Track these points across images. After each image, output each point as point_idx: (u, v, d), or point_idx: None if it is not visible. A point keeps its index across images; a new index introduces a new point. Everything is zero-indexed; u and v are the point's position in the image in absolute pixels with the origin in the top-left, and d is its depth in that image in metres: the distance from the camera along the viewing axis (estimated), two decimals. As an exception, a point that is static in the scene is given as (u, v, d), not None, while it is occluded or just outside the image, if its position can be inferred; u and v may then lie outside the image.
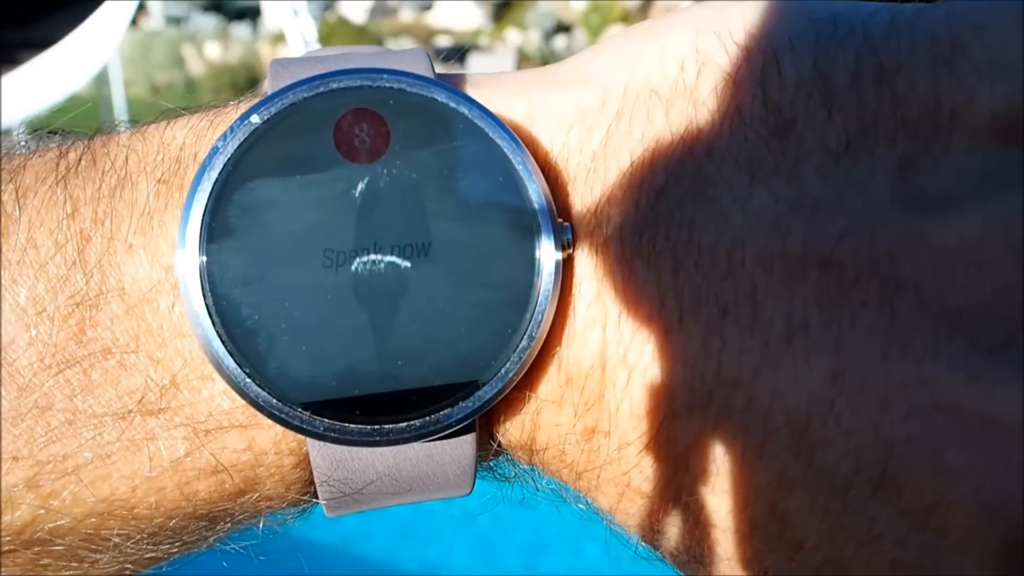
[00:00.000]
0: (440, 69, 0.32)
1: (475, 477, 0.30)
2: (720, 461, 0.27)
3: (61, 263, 0.27)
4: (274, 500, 0.30)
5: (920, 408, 0.25)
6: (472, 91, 0.30)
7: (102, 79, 6.08)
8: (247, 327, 0.26)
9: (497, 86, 0.31)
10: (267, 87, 0.29)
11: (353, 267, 0.27)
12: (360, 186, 0.27)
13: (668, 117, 0.28)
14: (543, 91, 0.30)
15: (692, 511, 0.28)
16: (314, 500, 0.30)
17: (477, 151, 0.28)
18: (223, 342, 0.26)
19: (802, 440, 0.26)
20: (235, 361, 0.26)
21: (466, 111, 0.28)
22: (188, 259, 0.26)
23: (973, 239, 0.25)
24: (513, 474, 0.32)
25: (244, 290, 0.26)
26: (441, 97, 0.28)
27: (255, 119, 0.27)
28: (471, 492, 0.31)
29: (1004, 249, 0.25)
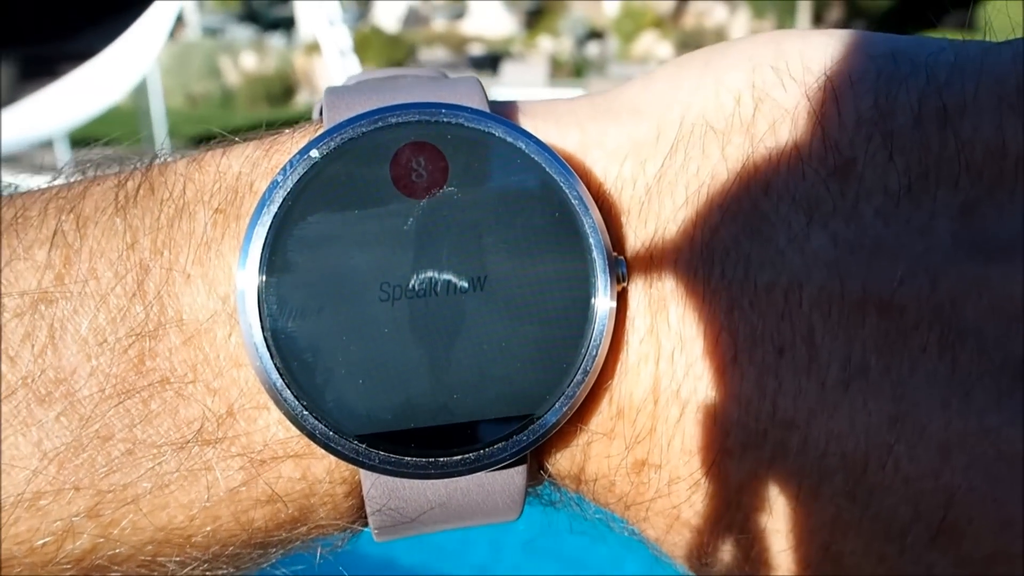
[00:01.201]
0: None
1: (524, 504, 0.30)
2: (773, 501, 0.27)
3: (121, 294, 0.28)
4: (326, 527, 0.30)
5: (982, 458, 0.24)
6: (525, 121, 0.30)
7: (141, 90, 6.20)
8: (305, 360, 0.27)
9: (551, 116, 0.31)
10: (323, 116, 0.29)
11: (410, 301, 0.27)
12: (417, 220, 0.27)
13: (724, 152, 0.28)
14: (596, 122, 0.30)
15: (743, 547, 0.28)
16: (364, 527, 0.30)
17: (534, 186, 0.28)
18: (280, 374, 0.26)
19: (859, 484, 0.25)
20: (293, 393, 0.26)
21: (523, 146, 0.28)
22: (248, 292, 0.26)
23: None
24: (558, 499, 0.32)
25: (302, 323, 0.27)
26: (498, 132, 0.28)
27: (315, 153, 0.27)
28: (519, 518, 0.31)
29: None
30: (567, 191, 0.28)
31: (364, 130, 0.27)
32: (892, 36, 0.30)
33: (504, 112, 0.30)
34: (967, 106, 0.26)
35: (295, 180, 0.27)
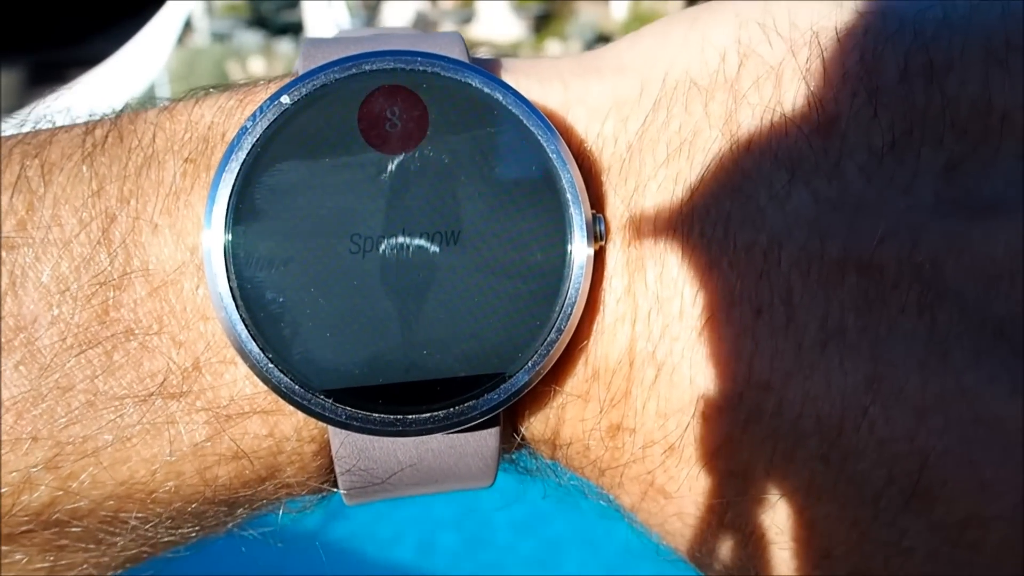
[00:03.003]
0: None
1: (497, 469, 0.30)
2: (748, 464, 0.26)
3: (85, 242, 0.27)
4: (294, 487, 0.30)
5: (958, 420, 0.24)
6: (507, 77, 0.30)
7: (149, 96, 6.22)
8: (271, 311, 0.26)
9: (533, 72, 0.30)
10: (299, 67, 0.29)
11: (381, 253, 0.26)
12: (391, 170, 0.26)
13: (707, 109, 0.27)
14: (580, 78, 0.30)
15: (716, 513, 0.27)
16: (334, 488, 0.30)
17: (511, 138, 0.27)
18: (246, 326, 0.26)
19: (833, 447, 0.25)
20: (258, 345, 0.26)
21: (500, 97, 0.27)
22: (213, 240, 0.26)
23: (1020, 247, 0.24)
24: (535, 467, 0.32)
25: (269, 273, 0.26)
26: (475, 82, 0.27)
27: (285, 100, 0.27)
28: (493, 484, 0.30)
29: None
30: (545, 144, 0.27)
31: (337, 76, 0.27)
32: None
33: (486, 67, 0.30)
34: (953, 62, 0.26)
35: (264, 127, 0.26)
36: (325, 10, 6.51)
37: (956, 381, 0.24)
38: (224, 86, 0.31)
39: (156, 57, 6.14)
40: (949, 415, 0.24)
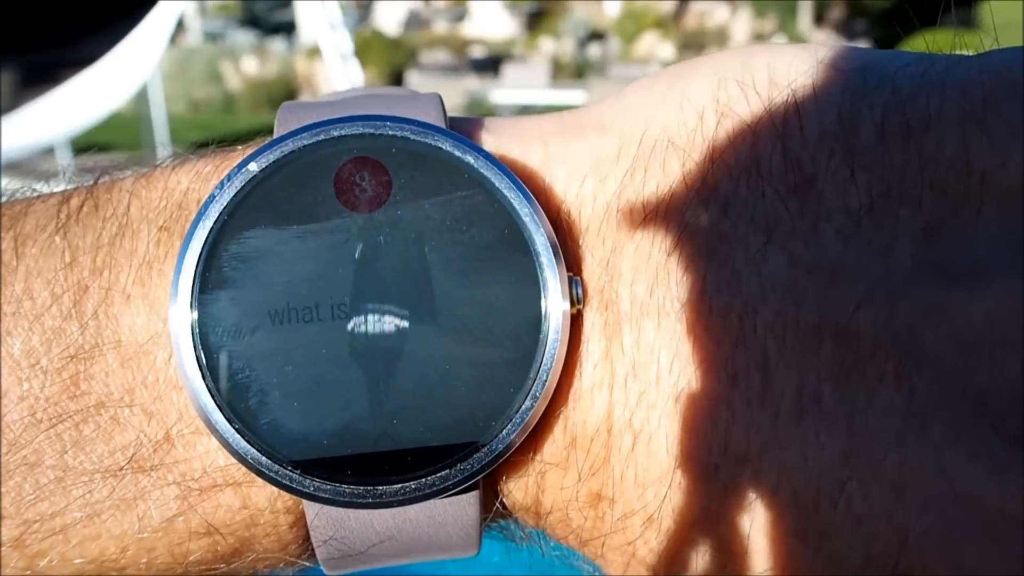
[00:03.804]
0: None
1: (480, 538, 0.29)
2: (725, 540, 0.25)
3: (57, 314, 0.27)
4: (270, 559, 0.29)
5: (938, 498, 0.23)
6: (488, 138, 0.29)
7: (142, 96, 6.20)
8: (238, 381, 0.25)
9: (516, 132, 0.30)
10: (275, 133, 0.28)
11: (350, 322, 0.26)
12: (359, 237, 0.26)
13: (684, 169, 0.27)
14: (561, 138, 0.29)
15: None
16: (312, 561, 0.29)
17: (482, 201, 0.27)
18: (212, 396, 0.25)
19: (810, 524, 0.24)
20: (224, 416, 0.25)
21: (472, 160, 0.27)
22: (180, 310, 0.25)
23: (1001, 316, 0.23)
24: (522, 536, 0.31)
25: (236, 343, 0.25)
26: (446, 146, 0.27)
27: (253, 167, 0.26)
28: (478, 553, 0.30)
29: None
30: (518, 207, 0.26)
31: (305, 143, 0.26)
32: (867, 50, 0.28)
33: (466, 129, 0.29)
34: (931, 121, 0.25)
35: (231, 194, 0.26)
36: (318, 9, 6.49)
37: (935, 457, 0.23)
38: (203, 150, 0.30)
39: (149, 57, 6.12)
40: (928, 493, 0.23)
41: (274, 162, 0.26)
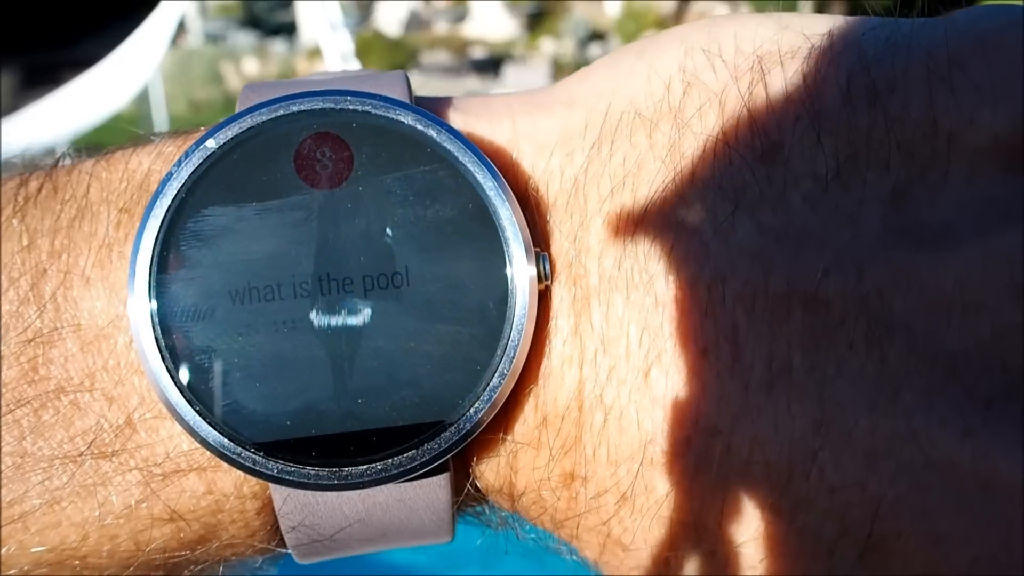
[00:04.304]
0: (475, 81, 0.30)
1: (454, 523, 0.28)
2: (699, 515, 0.25)
3: (14, 298, 0.26)
4: (238, 547, 0.28)
5: (910, 465, 0.22)
6: (455, 115, 0.29)
7: (143, 97, 6.20)
8: (198, 363, 0.25)
9: (484, 110, 0.29)
10: (237, 110, 0.28)
11: (312, 300, 0.25)
12: (320, 213, 0.25)
13: (651, 140, 0.26)
14: (529, 114, 0.29)
15: (673, 567, 0.26)
16: (282, 548, 0.29)
17: (445, 176, 0.26)
18: (172, 378, 0.25)
19: (783, 496, 0.23)
20: (184, 398, 0.25)
21: (434, 134, 0.26)
22: (138, 292, 0.25)
23: (971, 278, 0.23)
24: (498, 520, 0.31)
25: (195, 324, 0.25)
26: (408, 120, 0.26)
27: (211, 143, 0.26)
28: (452, 539, 0.29)
29: (1005, 289, 0.22)
30: (482, 181, 0.26)
31: (264, 118, 0.26)
32: (834, 17, 0.28)
33: (433, 106, 0.29)
34: (896, 82, 0.25)
35: (189, 171, 0.25)
36: (318, 10, 6.49)
37: (907, 423, 0.23)
38: (168, 132, 0.30)
39: (150, 58, 6.12)
40: (900, 460, 0.23)
41: (232, 138, 0.26)
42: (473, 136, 0.28)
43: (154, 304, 0.25)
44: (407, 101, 0.27)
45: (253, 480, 0.27)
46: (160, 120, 6.32)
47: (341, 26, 6.51)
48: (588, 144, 0.27)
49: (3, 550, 0.26)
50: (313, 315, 0.25)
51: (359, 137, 0.26)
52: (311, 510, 0.27)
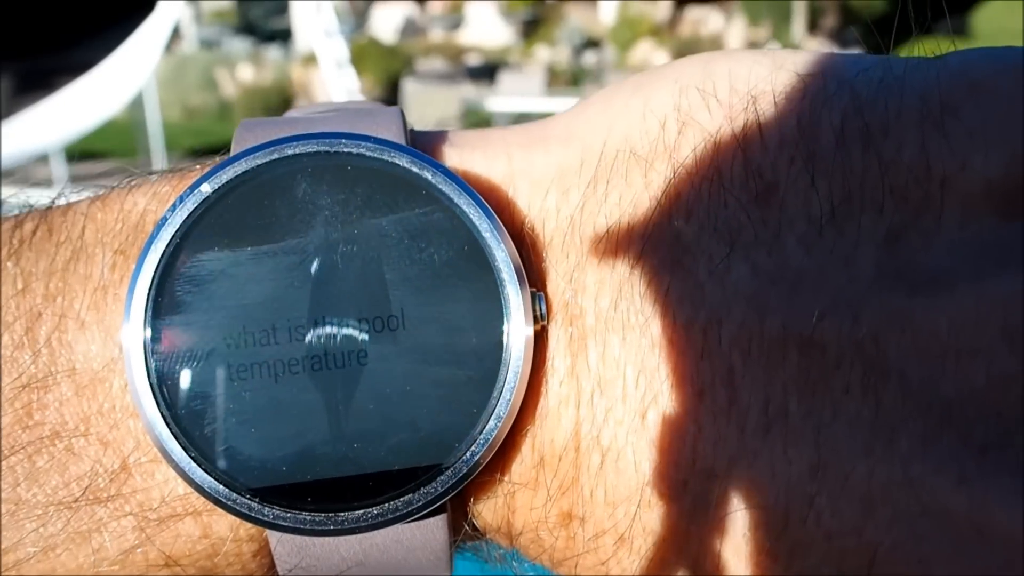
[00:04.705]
0: (470, 87, 0.30)
1: (452, 562, 0.28)
2: (696, 558, 0.25)
3: (8, 343, 0.26)
4: None
5: (906, 512, 0.22)
6: (451, 151, 0.29)
7: (137, 103, 6.19)
8: (193, 408, 0.25)
9: (480, 145, 0.29)
10: (232, 151, 0.28)
11: (307, 343, 0.25)
12: (315, 257, 0.25)
13: (647, 179, 0.27)
14: (525, 150, 0.29)
15: None
16: None
17: (441, 218, 0.26)
18: (167, 424, 0.25)
19: (779, 540, 0.23)
20: (179, 444, 0.25)
21: (430, 176, 0.26)
22: (133, 336, 0.25)
23: (966, 323, 0.23)
24: (496, 557, 0.31)
25: (190, 368, 0.25)
26: (403, 162, 0.26)
27: (205, 188, 0.26)
28: (451, 574, 0.29)
29: (1000, 336, 0.22)
30: (477, 223, 0.26)
31: (259, 162, 0.26)
32: (828, 54, 0.28)
33: (428, 142, 0.29)
34: (890, 125, 0.25)
35: (184, 216, 0.25)
36: (313, 16, 6.49)
37: (903, 470, 0.23)
38: (162, 170, 0.30)
39: (144, 64, 6.11)
40: (897, 507, 0.23)
41: (227, 182, 0.26)
42: (469, 174, 0.28)
43: (150, 350, 0.25)
44: (402, 140, 0.27)
45: (249, 523, 0.27)
46: (154, 126, 6.30)
47: (336, 33, 6.52)
48: (584, 182, 0.27)
49: None
50: (308, 359, 0.25)
51: (354, 180, 0.26)
52: (308, 552, 0.27)
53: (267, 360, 0.25)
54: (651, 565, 0.26)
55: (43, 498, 0.26)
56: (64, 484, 0.26)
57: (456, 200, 0.26)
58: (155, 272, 0.25)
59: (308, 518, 0.25)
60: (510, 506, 0.27)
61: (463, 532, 0.28)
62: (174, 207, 0.25)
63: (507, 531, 0.28)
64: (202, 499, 0.26)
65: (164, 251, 0.25)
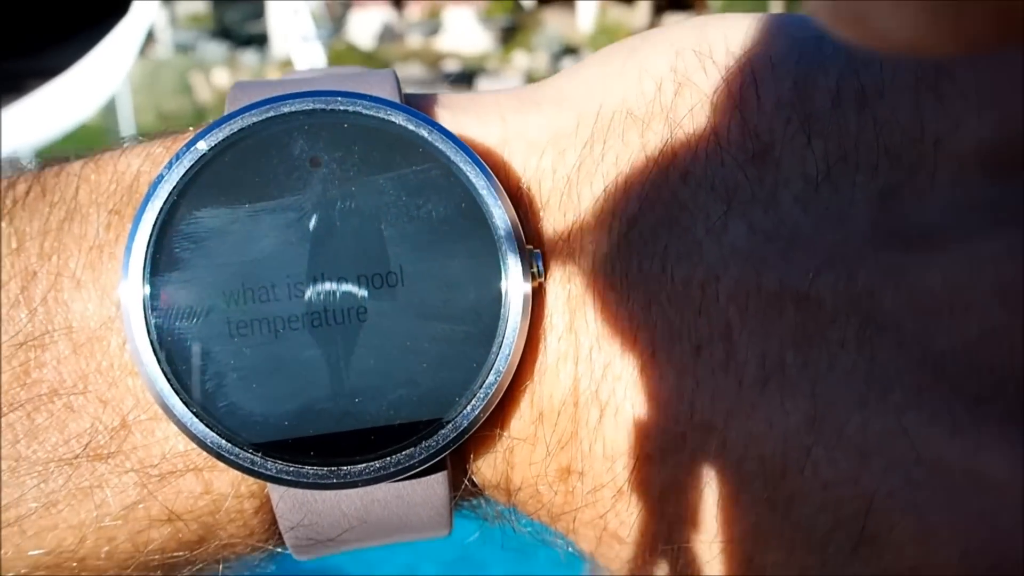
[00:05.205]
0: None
1: (452, 518, 0.29)
2: (695, 509, 0.25)
3: (4, 302, 0.26)
4: (237, 547, 0.28)
5: (900, 461, 0.23)
6: (444, 113, 0.29)
7: (111, 108, 6.12)
8: (193, 364, 0.25)
9: (472, 108, 0.29)
10: (226, 110, 0.28)
11: (307, 299, 0.25)
12: (313, 214, 0.26)
13: (643, 139, 0.27)
14: (519, 113, 0.29)
15: (669, 560, 0.26)
16: (280, 546, 0.29)
17: (437, 175, 0.26)
18: (168, 380, 0.25)
19: (777, 491, 0.24)
20: (180, 400, 0.25)
21: (426, 134, 0.26)
22: (131, 293, 0.25)
23: (958, 279, 0.23)
24: (494, 514, 0.31)
25: (190, 325, 0.25)
26: (399, 119, 0.26)
27: (201, 145, 0.26)
28: (451, 533, 0.29)
29: (991, 291, 0.23)
30: (474, 180, 0.26)
31: (255, 120, 0.26)
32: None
33: (422, 104, 0.29)
34: (884, 87, 0.25)
35: (180, 174, 0.25)
36: (291, 20, 6.46)
37: (897, 420, 0.23)
38: (155, 133, 0.30)
39: (118, 68, 6.04)
40: (892, 456, 0.23)
41: (223, 140, 0.26)
42: (463, 135, 0.28)
43: (149, 307, 0.25)
44: (397, 100, 0.28)
45: (251, 480, 0.27)
46: (128, 131, 6.23)
47: (313, 38, 6.48)
48: (580, 143, 0.28)
49: (0, 554, 0.26)
50: (308, 315, 0.25)
51: (350, 137, 0.26)
52: (309, 508, 0.27)
53: (267, 316, 0.25)
54: (649, 516, 0.26)
55: (43, 455, 0.26)
56: (64, 441, 0.26)
57: (452, 157, 0.26)
58: (152, 229, 0.25)
59: (311, 471, 0.25)
60: (509, 461, 0.28)
61: (463, 488, 0.29)
62: (170, 165, 0.25)
63: (506, 487, 0.28)
64: (203, 455, 0.26)
65: (161, 208, 0.25)
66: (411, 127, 0.26)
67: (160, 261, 0.25)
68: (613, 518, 0.27)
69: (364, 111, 0.26)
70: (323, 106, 0.26)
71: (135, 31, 5.94)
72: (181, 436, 0.26)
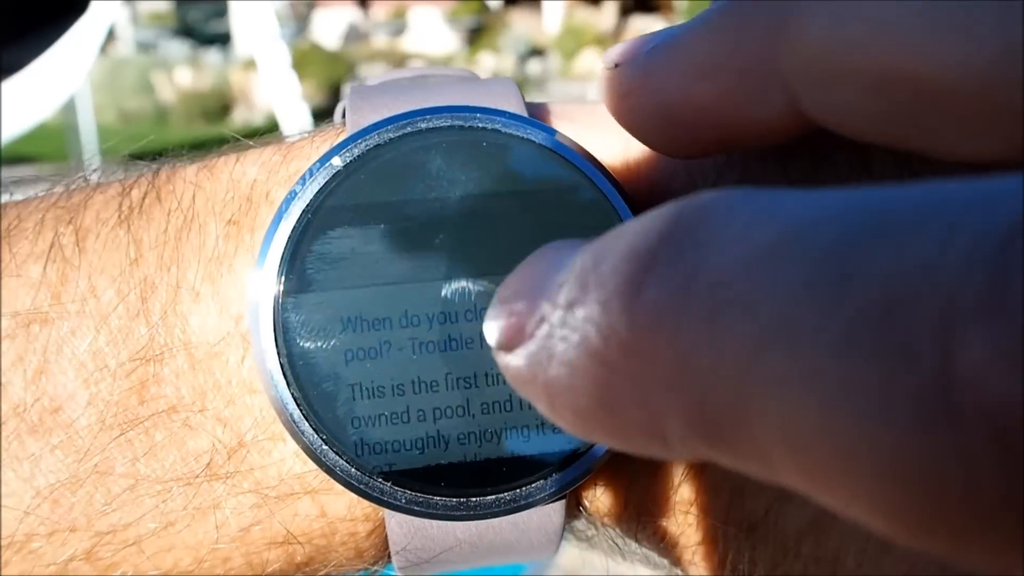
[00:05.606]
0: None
1: (560, 541, 0.28)
2: (837, 552, 0.24)
3: (124, 314, 0.25)
4: (344, 566, 0.28)
5: None
6: (562, 126, 0.28)
7: (70, 107, 5.98)
8: (324, 389, 0.24)
9: (591, 121, 0.29)
10: (341, 118, 0.27)
11: (442, 323, 0.25)
12: (450, 234, 0.25)
13: (785, 167, 0.27)
14: None
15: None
16: (386, 563, 0.28)
17: (578, 197, 0.26)
18: (298, 405, 0.24)
19: None
20: (311, 425, 0.24)
21: (566, 155, 0.26)
22: (262, 314, 0.24)
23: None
24: (594, 535, 0.30)
25: (322, 348, 0.24)
26: (539, 139, 0.26)
27: (337, 162, 0.25)
28: (555, 554, 0.29)
29: None
30: (613, 203, 0.26)
31: (391, 136, 0.25)
32: None
33: (541, 115, 0.28)
34: None
35: (315, 191, 0.24)
36: (254, 20, 6.38)
37: None
38: (264, 139, 0.29)
39: (77, 67, 5.91)
40: None
41: (359, 157, 0.25)
42: (589, 153, 0.27)
43: (280, 327, 0.24)
44: (525, 114, 0.27)
45: (366, 502, 0.26)
46: (88, 131, 6.08)
47: (278, 37, 6.40)
48: (717, 166, 0.27)
49: (116, 574, 0.25)
50: (443, 340, 0.24)
51: (489, 156, 0.25)
52: (424, 532, 0.26)
53: (400, 341, 0.24)
54: (785, 557, 0.25)
55: (162, 473, 0.25)
56: (183, 460, 0.25)
57: (593, 180, 0.26)
58: (285, 249, 0.24)
59: (440, 502, 0.25)
60: (630, 490, 0.27)
61: (575, 515, 0.28)
62: (303, 180, 0.25)
63: (620, 515, 0.28)
64: (320, 478, 0.25)
65: (295, 227, 0.24)
66: (551, 147, 0.26)
67: (292, 281, 0.24)
68: (741, 556, 0.26)
69: (503, 129, 0.25)
70: (461, 123, 0.25)
71: (96, 29, 5.83)
72: (298, 457, 0.25)
